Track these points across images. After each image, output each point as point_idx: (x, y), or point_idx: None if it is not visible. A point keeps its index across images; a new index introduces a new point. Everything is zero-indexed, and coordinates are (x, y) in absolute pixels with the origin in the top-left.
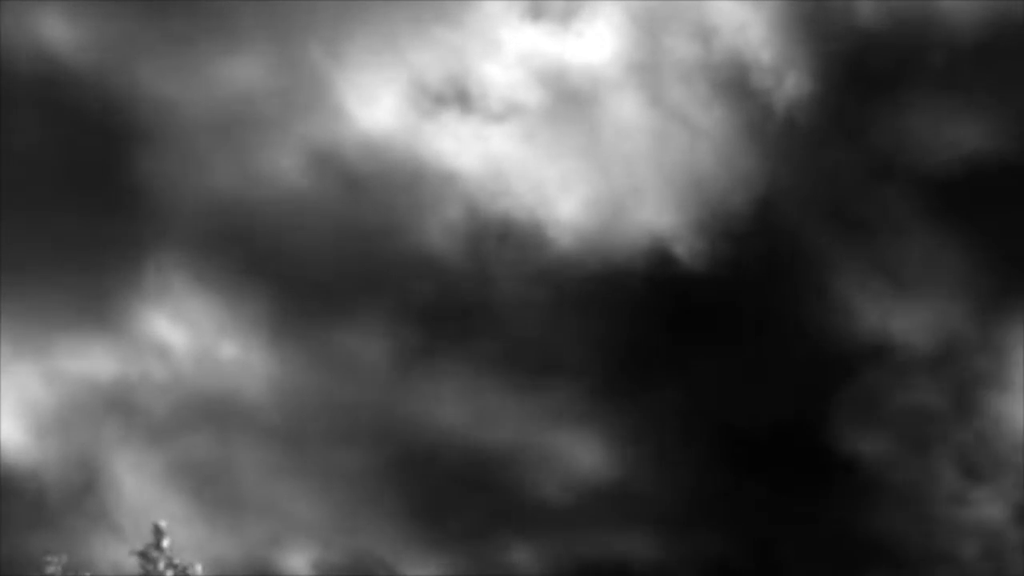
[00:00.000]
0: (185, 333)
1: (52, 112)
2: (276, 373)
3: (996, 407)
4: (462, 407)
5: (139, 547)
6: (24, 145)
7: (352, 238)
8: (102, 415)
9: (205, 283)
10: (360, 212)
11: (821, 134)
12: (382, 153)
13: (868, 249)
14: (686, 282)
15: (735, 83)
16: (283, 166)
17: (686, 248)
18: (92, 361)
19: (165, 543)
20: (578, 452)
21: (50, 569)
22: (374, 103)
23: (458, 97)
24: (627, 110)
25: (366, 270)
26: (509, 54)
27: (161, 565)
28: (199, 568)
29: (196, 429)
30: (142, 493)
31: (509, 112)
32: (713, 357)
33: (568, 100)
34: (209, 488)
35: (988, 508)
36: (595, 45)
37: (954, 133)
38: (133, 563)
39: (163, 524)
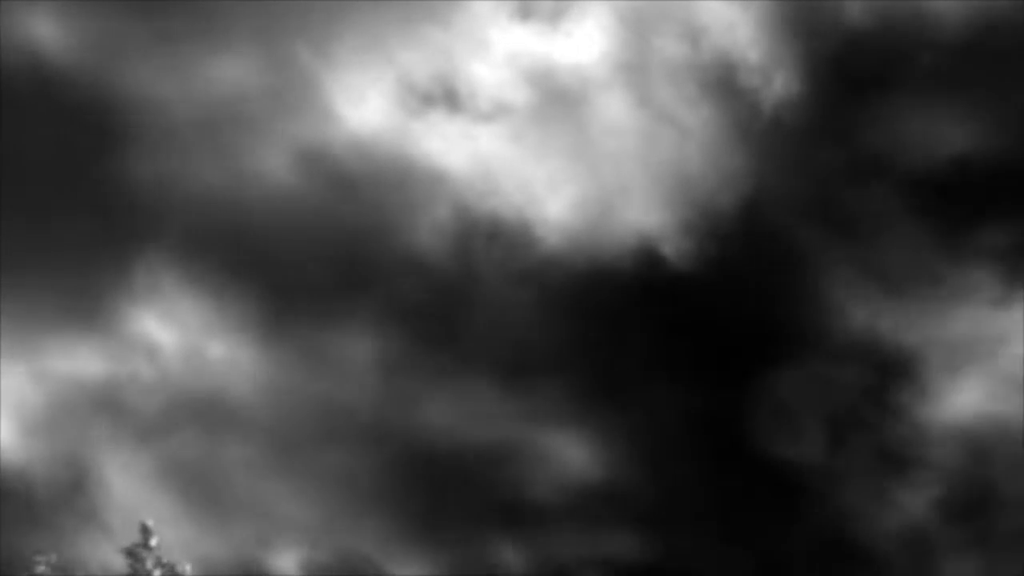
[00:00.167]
0: (174, 332)
1: (41, 112)
2: (264, 372)
3: None
4: (450, 406)
5: (127, 546)
6: (13, 145)
7: (340, 237)
8: (91, 414)
9: (194, 283)
10: (349, 211)
11: (809, 134)
12: (371, 152)
13: (855, 249)
14: (673, 281)
15: (723, 83)
16: (272, 166)
17: (673, 247)
18: (81, 361)
19: (153, 542)
20: (566, 452)
21: (39, 568)
22: (362, 103)
23: (446, 97)
24: (615, 110)
25: (355, 269)
26: (497, 54)
27: (149, 564)
28: (188, 567)
29: (185, 428)
30: (131, 492)
31: (497, 112)
32: (700, 356)
33: (556, 100)
34: (198, 487)
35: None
36: (583, 45)
37: (942, 133)
38: (122, 562)
39: (150, 523)
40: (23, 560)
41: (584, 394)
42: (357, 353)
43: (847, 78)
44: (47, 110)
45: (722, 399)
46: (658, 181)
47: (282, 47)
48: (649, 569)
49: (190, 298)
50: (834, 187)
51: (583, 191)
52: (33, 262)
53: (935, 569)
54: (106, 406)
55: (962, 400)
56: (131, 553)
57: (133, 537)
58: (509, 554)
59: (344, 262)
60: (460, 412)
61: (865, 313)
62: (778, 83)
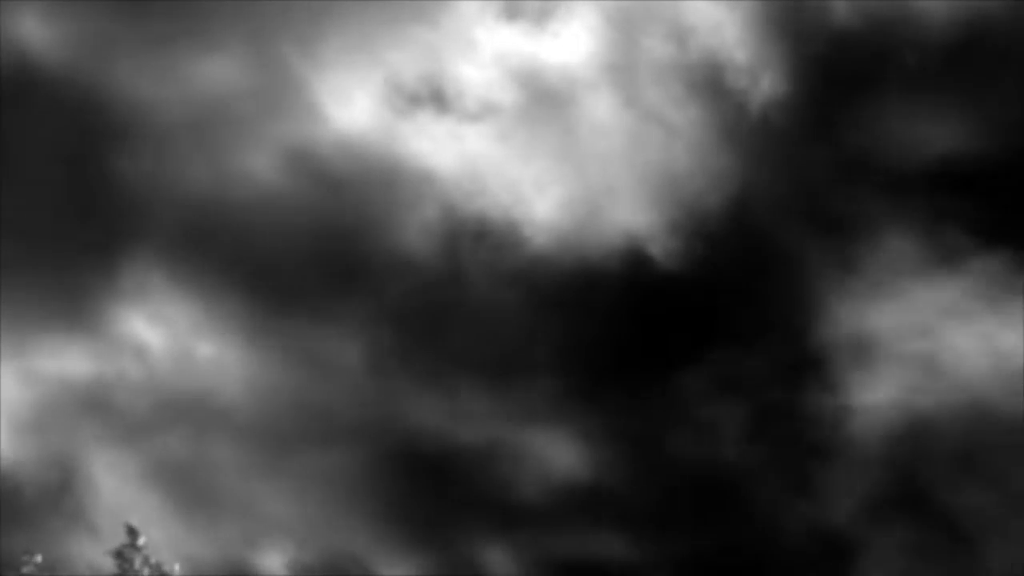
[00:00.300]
0: (161, 333)
1: (29, 112)
2: (252, 372)
3: None
4: (438, 406)
5: (115, 547)
6: (0, 145)
7: (328, 238)
8: (78, 415)
9: (181, 283)
10: (336, 212)
11: (796, 134)
12: (358, 153)
13: (842, 249)
14: (661, 281)
15: (710, 83)
16: (259, 166)
17: (661, 248)
18: (68, 360)
19: (141, 542)
20: (553, 452)
21: (26, 569)
22: (349, 103)
23: (434, 97)
24: (602, 110)
25: (342, 270)
26: (485, 54)
27: (137, 564)
28: (176, 567)
29: (173, 428)
30: (119, 493)
31: (485, 112)
32: (688, 356)
33: (544, 100)
34: (185, 487)
35: None
36: (570, 45)
37: (929, 133)
38: (110, 563)
39: (135, 524)
40: (10, 560)
41: (572, 394)
42: (345, 353)
43: (834, 78)
44: (35, 111)
45: (711, 398)
46: (645, 181)
47: (269, 47)
48: (637, 569)
49: (178, 298)
50: (821, 187)
51: (570, 191)
52: (20, 262)
53: None
54: (94, 406)
55: None
56: (119, 554)
57: (121, 537)
58: (496, 554)
59: (332, 262)
60: (448, 412)
61: (851, 312)
62: (765, 83)
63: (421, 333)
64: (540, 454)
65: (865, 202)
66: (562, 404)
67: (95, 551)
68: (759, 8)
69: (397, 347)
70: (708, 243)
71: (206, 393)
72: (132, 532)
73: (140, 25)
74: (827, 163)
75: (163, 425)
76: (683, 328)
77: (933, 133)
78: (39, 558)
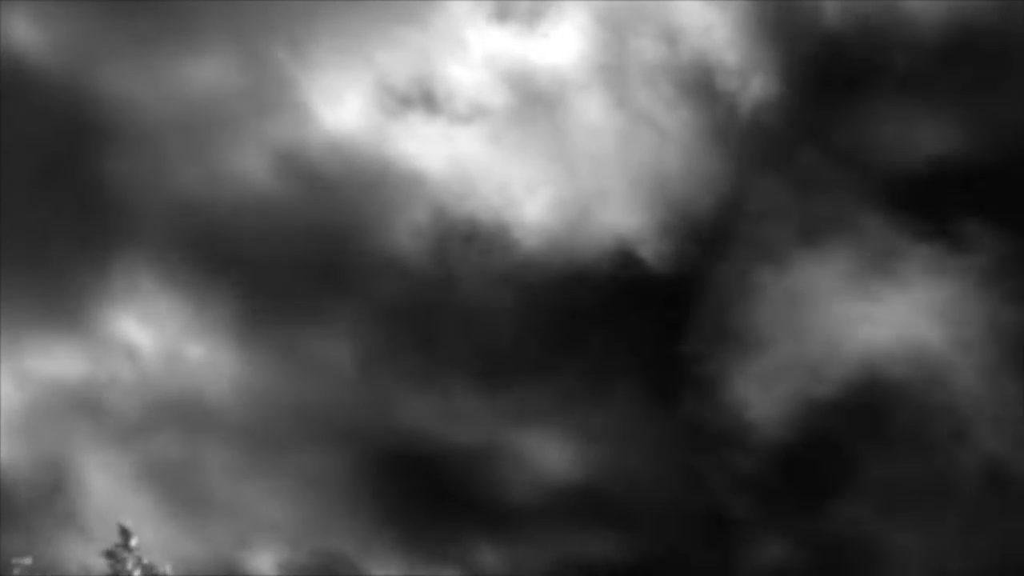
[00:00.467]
0: (152, 334)
1: (17, 112)
2: (243, 374)
3: None
4: (428, 407)
5: (107, 548)
6: None
7: (318, 239)
8: (69, 416)
9: (172, 284)
10: (326, 213)
11: (787, 136)
12: (348, 154)
13: (833, 251)
14: (651, 283)
15: (701, 85)
16: (248, 167)
17: (652, 249)
18: (59, 362)
19: (133, 542)
20: (545, 453)
21: (17, 571)
22: (339, 104)
23: (424, 98)
24: (593, 112)
25: (332, 271)
26: (475, 55)
27: (130, 565)
28: (168, 567)
29: (164, 430)
30: (110, 494)
31: (475, 113)
32: (679, 358)
33: (534, 101)
34: (177, 488)
35: None
36: (561, 47)
37: (920, 135)
38: (101, 564)
39: (128, 524)
40: (1, 562)
41: (562, 395)
42: (335, 354)
43: (825, 80)
44: (25, 112)
45: (702, 400)
46: (636, 183)
47: (259, 48)
48: (629, 571)
49: (168, 299)
50: (812, 189)
51: (561, 193)
52: (10, 263)
53: None
54: (85, 407)
55: None
56: (111, 554)
57: (112, 538)
58: (487, 555)
59: (322, 263)
60: (438, 413)
61: (842, 313)
62: (756, 85)
63: (411, 334)
64: (531, 455)
65: (856, 203)
66: (553, 405)
67: (87, 552)
68: (750, 9)
69: (388, 348)
70: (698, 245)
71: (197, 394)
72: (124, 533)
73: (130, 26)
74: (818, 165)
75: (154, 426)
76: (673, 330)
77: (925, 135)
78: (28, 560)
